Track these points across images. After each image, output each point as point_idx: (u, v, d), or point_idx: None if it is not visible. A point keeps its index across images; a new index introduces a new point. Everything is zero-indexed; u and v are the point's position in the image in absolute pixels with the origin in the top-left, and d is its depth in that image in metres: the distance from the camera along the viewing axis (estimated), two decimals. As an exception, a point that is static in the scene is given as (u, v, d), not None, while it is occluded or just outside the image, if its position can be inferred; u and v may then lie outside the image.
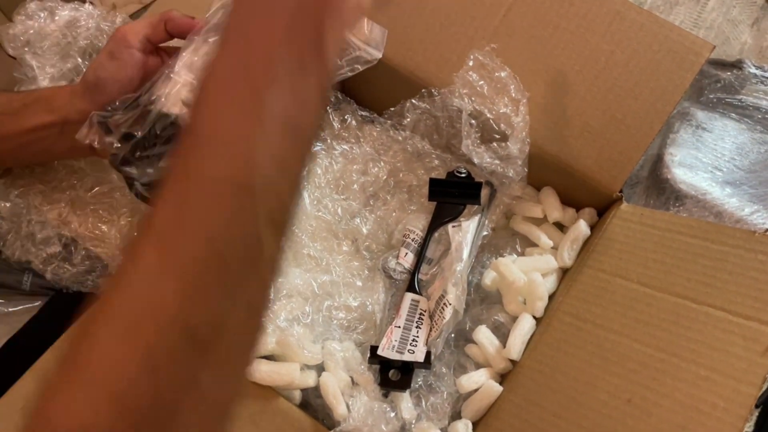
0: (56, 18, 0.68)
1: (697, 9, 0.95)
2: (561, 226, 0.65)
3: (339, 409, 0.54)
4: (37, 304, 0.68)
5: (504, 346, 0.57)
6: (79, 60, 0.67)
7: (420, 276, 0.62)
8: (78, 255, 0.63)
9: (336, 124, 0.69)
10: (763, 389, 0.64)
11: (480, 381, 0.56)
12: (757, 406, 0.65)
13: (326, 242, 0.64)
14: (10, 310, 0.68)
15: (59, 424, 0.24)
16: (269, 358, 0.56)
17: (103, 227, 0.63)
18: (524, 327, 0.57)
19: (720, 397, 0.45)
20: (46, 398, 0.25)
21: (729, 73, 0.83)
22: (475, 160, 0.61)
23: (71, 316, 0.57)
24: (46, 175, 0.65)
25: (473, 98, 0.61)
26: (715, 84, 0.83)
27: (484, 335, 0.58)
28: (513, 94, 0.60)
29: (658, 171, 0.77)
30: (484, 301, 0.63)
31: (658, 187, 0.77)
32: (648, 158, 0.79)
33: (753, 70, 0.82)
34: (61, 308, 0.64)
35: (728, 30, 0.93)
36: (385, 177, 0.67)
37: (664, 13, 0.94)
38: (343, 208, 0.65)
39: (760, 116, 0.80)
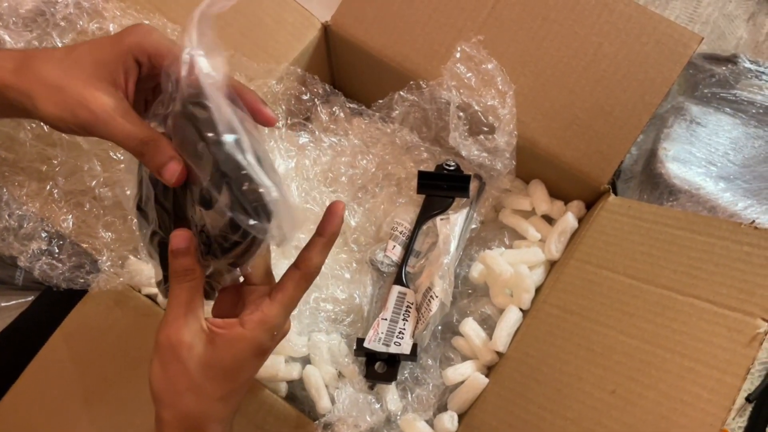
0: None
1: (693, 4, 0.94)
2: (549, 219, 0.65)
3: (321, 402, 0.54)
4: (29, 299, 0.67)
5: (491, 339, 0.57)
6: (57, 41, 0.61)
7: (408, 269, 0.61)
8: (65, 251, 0.60)
9: (324, 117, 0.69)
10: (756, 384, 0.64)
11: (466, 373, 0.56)
12: (750, 401, 0.64)
13: (314, 235, 0.63)
14: (3, 305, 0.68)
15: None
16: (254, 349, 0.56)
17: (88, 221, 0.61)
18: (511, 319, 0.57)
19: (704, 388, 0.44)
20: None
21: (724, 68, 0.82)
22: (463, 153, 0.61)
23: (62, 311, 0.57)
24: (20, 163, 0.61)
25: (461, 90, 0.60)
26: (710, 79, 0.83)
27: (471, 327, 0.58)
28: (500, 86, 0.59)
29: (652, 166, 0.76)
30: (471, 293, 0.63)
31: (652, 182, 0.76)
32: (642, 153, 0.79)
33: (748, 65, 0.81)
34: (52, 303, 0.63)
35: (724, 25, 0.93)
36: (373, 170, 0.66)
37: (660, 8, 0.93)
38: (331, 200, 0.65)
39: (754, 111, 0.79)
